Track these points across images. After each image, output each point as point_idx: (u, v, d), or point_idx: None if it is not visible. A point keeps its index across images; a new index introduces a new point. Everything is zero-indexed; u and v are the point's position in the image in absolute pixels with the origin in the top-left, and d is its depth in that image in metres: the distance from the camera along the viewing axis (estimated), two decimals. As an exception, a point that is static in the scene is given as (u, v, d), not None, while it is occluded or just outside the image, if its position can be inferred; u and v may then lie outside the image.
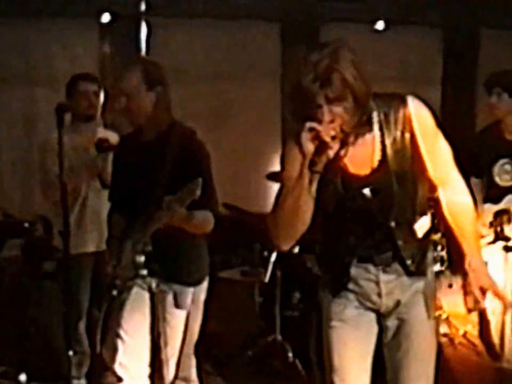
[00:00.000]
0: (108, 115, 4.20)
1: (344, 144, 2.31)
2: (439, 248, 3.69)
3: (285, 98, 6.81)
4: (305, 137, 2.21)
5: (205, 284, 3.27)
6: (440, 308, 4.15)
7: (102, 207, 3.95)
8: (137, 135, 3.18)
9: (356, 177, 2.41)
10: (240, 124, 6.78)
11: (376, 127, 2.38)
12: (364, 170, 2.41)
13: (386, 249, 2.47)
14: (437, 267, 3.76)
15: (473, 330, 4.44)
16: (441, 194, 2.54)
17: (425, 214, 2.51)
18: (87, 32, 6.45)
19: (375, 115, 2.37)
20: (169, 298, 3.11)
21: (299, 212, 2.32)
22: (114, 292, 3.05)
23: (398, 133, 2.37)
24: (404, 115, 2.37)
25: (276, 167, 6.76)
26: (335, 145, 2.24)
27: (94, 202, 4.06)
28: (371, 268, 2.49)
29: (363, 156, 2.40)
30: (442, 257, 3.25)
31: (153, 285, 3.01)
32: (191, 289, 3.17)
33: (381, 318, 2.59)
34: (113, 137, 4.13)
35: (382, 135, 2.38)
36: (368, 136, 2.39)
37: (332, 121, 2.21)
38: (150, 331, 3.15)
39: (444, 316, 4.36)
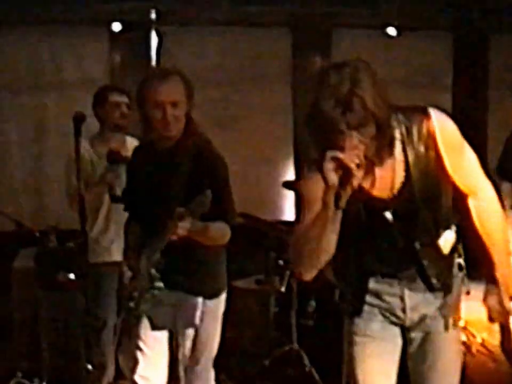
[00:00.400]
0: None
1: (368, 170, 2.18)
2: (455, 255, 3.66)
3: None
4: (328, 167, 2.06)
5: (223, 296, 3.25)
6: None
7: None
8: (153, 144, 3.14)
9: (378, 200, 2.32)
10: (252, 130, 6.77)
11: (398, 146, 2.28)
12: (386, 193, 2.33)
13: (410, 267, 2.43)
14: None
15: (490, 338, 4.44)
16: (471, 202, 2.49)
17: (449, 227, 2.45)
18: (98, 40, 6.47)
19: (397, 133, 2.26)
20: (188, 310, 3.08)
21: (323, 242, 2.20)
22: (132, 304, 3.03)
23: (422, 150, 2.28)
24: (428, 130, 2.27)
25: (289, 174, 6.85)
26: (360, 173, 2.08)
27: (119, 212, 4.04)
28: (395, 283, 2.46)
29: (385, 178, 2.30)
30: (460, 263, 3.20)
31: (173, 298, 2.99)
32: (210, 301, 3.15)
33: (406, 331, 2.56)
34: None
35: (405, 155, 2.28)
36: (390, 158, 2.28)
37: (354, 148, 2.07)
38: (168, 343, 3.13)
39: (462, 323, 4.40)
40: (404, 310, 2.48)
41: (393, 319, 2.52)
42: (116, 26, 6.32)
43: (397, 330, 2.55)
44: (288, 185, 5.32)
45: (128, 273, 3.10)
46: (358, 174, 2.07)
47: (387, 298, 2.48)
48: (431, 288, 2.45)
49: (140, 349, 3.10)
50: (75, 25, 6.32)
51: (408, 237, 2.37)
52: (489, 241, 2.47)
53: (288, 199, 6.82)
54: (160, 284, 2.97)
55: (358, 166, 2.06)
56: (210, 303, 3.15)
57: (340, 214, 2.15)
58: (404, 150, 2.28)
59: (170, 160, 3.04)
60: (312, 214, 2.22)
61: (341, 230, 2.21)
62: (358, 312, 2.52)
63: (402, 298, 2.47)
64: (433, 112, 2.29)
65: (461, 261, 2.56)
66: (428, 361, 2.52)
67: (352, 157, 2.05)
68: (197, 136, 3.08)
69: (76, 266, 4.57)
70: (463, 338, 4.35)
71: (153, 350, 3.10)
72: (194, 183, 2.93)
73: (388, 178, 2.30)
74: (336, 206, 2.09)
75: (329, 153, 2.06)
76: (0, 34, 6.22)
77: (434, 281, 2.43)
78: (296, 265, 2.37)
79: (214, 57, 6.74)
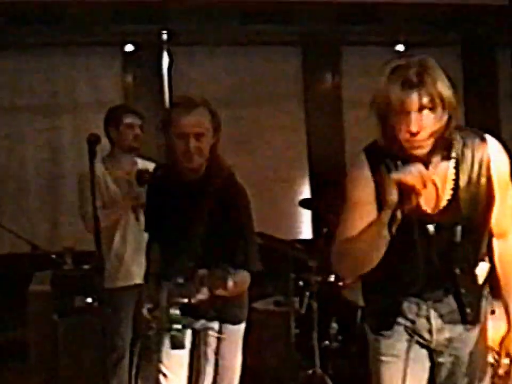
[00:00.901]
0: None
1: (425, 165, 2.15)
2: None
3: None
4: (391, 191, 2.05)
5: (243, 325, 3.20)
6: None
7: (143, 238, 3.94)
8: (179, 173, 3.04)
9: (421, 212, 2.27)
10: (265, 149, 6.76)
11: (452, 162, 2.26)
12: (431, 206, 2.28)
13: (443, 291, 2.38)
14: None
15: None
16: (496, 244, 2.46)
17: (483, 260, 2.42)
18: (111, 61, 6.49)
19: (455, 147, 2.24)
20: (212, 336, 3.06)
21: (374, 247, 2.19)
22: (151, 333, 3.00)
23: (475, 176, 2.25)
24: (482, 157, 2.25)
25: (305, 192, 6.83)
26: (422, 192, 2.06)
27: (136, 234, 4.01)
28: (422, 303, 2.40)
29: (432, 192, 2.26)
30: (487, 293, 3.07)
31: (197, 324, 2.97)
32: (234, 327, 3.12)
33: (433, 354, 2.50)
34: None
35: (457, 174, 2.26)
36: (441, 170, 2.26)
37: (418, 132, 2.07)
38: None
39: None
40: (430, 331, 2.42)
41: (420, 339, 2.45)
42: (128, 48, 6.35)
43: (424, 352, 2.49)
44: (305, 204, 5.30)
45: (147, 301, 3.03)
46: (421, 193, 2.04)
47: (413, 317, 2.43)
48: (464, 319, 2.39)
49: (162, 373, 3.07)
50: (88, 46, 6.36)
51: (446, 258, 2.31)
52: (506, 289, 2.46)
53: (305, 218, 6.81)
54: (179, 326, 2.84)
55: (424, 185, 2.03)
56: (231, 327, 3.09)
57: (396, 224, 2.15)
58: (456, 169, 2.25)
59: (195, 193, 2.97)
60: (363, 218, 2.20)
61: None
62: (387, 329, 2.45)
63: (428, 319, 2.41)
64: (490, 141, 2.28)
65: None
66: None
67: (417, 176, 2.02)
68: (222, 170, 3.00)
69: (93, 289, 4.54)
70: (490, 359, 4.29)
71: (176, 373, 3.08)
72: (217, 220, 2.90)
73: (434, 191, 2.27)
74: (389, 223, 2.08)
75: (394, 176, 2.05)
76: (16, 56, 6.27)
77: (468, 310, 2.38)
78: (340, 267, 2.38)
79: (225, 76, 6.74)
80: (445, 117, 2.12)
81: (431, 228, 2.27)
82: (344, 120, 7.04)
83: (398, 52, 7.02)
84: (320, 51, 7.00)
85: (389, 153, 2.20)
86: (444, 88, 2.08)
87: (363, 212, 2.23)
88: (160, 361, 3.07)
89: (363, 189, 2.25)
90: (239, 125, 6.60)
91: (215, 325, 3.05)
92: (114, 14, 6.30)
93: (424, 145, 2.13)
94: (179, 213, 3.00)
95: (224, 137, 6.47)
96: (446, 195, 2.27)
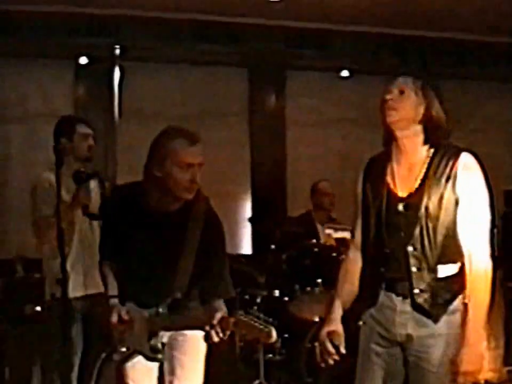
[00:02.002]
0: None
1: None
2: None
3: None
4: None
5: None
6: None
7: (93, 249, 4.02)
8: (160, 202, 2.96)
9: (396, 196, 2.63)
10: (210, 165, 6.82)
11: (430, 152, 2.62)
12: (405, 192, 2.62)
13: (404, 277, 2.56)
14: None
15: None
16: (466, 259, 2.58)
17: (454, 262, 2.57)
18: (63, 73, 6.56)
19: (431, 150, 2.62)
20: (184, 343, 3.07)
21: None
22: (120, 352, 2.94)
23: (443, 180, 2.55)
24: (452, 166, 2.56)
25: (247, 208, 6.99)
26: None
27: (90, 244, 4.02)
28: (394, 296, 2.59)
29: (408, 179, 2.63)
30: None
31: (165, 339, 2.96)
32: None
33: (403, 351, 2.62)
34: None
35: (430, 163, 2.60)
36: (418, 161, 2.63)
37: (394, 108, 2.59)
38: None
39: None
40: (393, 323, 2.59)
41: (384, 333, 2.62)
42: (82, 60, 6.43)
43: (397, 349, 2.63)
44: (253, 220, 5.40)
45: (114, 315, 2.93)
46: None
47: (385, 310, 2.62)
48: (413, 304, 2.55)
49: None
50: (41, 58, 6.42)
51: (408, 236, 2.58)
52: (470, 303, 2.52)
53: (246, 233, 6.99)
54: (160, 356, 2.89)
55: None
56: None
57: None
58: (431, 159, 2.62)
59: (177, 223, 2.94)
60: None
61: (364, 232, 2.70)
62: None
63: (394, 311, 2.59)
64: (465, 155, 2.58)
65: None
66: None
67: None
68: (202, 200, 3.01)
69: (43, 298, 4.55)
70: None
71: None
72: (203, 249, 2.93)
73: (410, 179, 2.63)
74: None
75: None
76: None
77: (416, 291, 2.54)
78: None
79: (174, 93, 6.91)
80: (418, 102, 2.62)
81: (401, 206, 2.60)
82: (287, 139, 7.28)
83: (343, 77, 7.34)
84: (266, 73, 7.24)
85: None
86: (415, 85, 2.64)
87: None
88: (126, 375, 3.02)
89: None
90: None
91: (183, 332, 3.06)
92: (70, 26, 6.41)
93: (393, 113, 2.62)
94: (158, 243, 2.95)
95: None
96: (418, 180, 2.61)
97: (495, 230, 2.59)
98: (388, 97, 2.61)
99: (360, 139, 6.93)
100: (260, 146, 7.19)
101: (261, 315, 2.48)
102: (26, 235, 4.58)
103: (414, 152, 2.64)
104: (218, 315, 2.64)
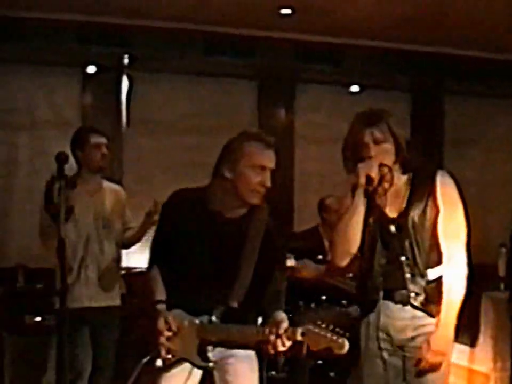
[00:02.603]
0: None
1: (388, 183, 2.80)
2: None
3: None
4: (360, 173, 2.77)
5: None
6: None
7: (100, 261, 4.03)
8: (222, 209, 2.90)
9: (387, 217, 2.85)
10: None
11: (409, 182, 2.86)
12: (394, 213, 2.86)
13: (401, 284, 2.79)
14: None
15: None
16: (445, 267, 2.82)
17: (440, 264, 2.82)
18: (71, 81, 6.52)
19: (410, 174, 2.86)
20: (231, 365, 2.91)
21: (350, 230, 2.81)
22: (165, 359, 2.80)
23: (425, 197, 2.80)
24: (432, 184, 2.80)
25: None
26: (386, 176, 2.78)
27: (95, 254, 4.04)
28: (391, 304, 2.80)
29: (395, 201, 2.85)
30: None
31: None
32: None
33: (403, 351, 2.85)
34: (120, 190, 4.26)
35: (412, 186, 2.85)
36: (401, 186, 2.85)
37: (376, 157, 2.74)
38: None
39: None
40: (394, 329, 2.81)
41: (384, 336, 2.82)
42: (90, 69, 6.40)
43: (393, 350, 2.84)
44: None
45: (161, 320, 2.80)
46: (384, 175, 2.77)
47: (382, 318, 2.79)
48: (412, 306, 2.79)
49: None
50: (49, 65, 6.39)
51: (400, 252, 2.81)
52: (444, 306, 2.77)
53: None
54: (211, 365, 2.78)
55: (380, 166, 2.76)
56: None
57: (362, 210, 2.81)
58: (412, 182, 2.85)
59: (241, 229, 2.87)
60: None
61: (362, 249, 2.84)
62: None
63: (393, 319, 2.81)
64: (440, 174, 2.83)
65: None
66: None
67: (376, 162, 2.75)
68: (267, 208, 2.95)
69: (44, 308, 4.52)
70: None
71: None
72: (263, 258, 2.84)
73: (397, 204, 2.85)
74: (366, 193, 2.79)
75: (360, 165, 2.78)
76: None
77: (412, 294, 2.78)
78: (333, 257, 2.92)
79: (182, 104, 6.85)
80: (397, 147, 2.80)
81: (392, 228, 2.82)
82: (295, 153, 7.23)
83: (353, 92, 7.30)
84: (276, 86, 7.18)
85: None
86: (394, 128, 2.80)
87: None
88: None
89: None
90: (195, 151, 6.67)
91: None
92: (79, 34, 6.41)
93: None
94: (217, 249, 2.87)
95: (180, 163, 6.61)
96: (404, 202, 2.85)
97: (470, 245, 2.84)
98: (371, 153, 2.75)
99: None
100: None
101: (331, 326, 2.44)
102: (28, 244, 4.54)
103: (397, 182, 2.83)
104: (285, 324, 2.57)
